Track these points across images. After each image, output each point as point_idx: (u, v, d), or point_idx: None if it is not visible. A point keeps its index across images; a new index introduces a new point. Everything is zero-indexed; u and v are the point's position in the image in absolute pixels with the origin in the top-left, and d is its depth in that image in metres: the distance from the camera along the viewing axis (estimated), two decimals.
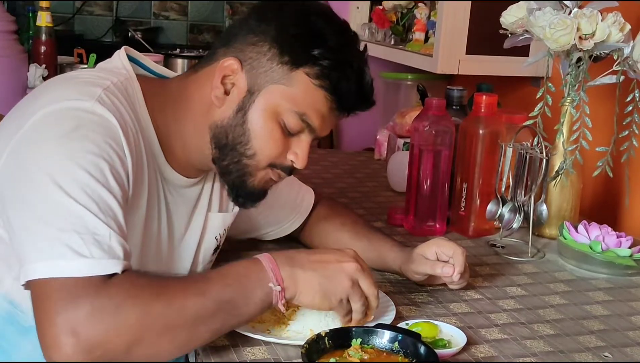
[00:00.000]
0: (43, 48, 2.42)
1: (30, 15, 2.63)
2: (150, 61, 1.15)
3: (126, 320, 0.86)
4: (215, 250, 1.21)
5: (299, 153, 1.06)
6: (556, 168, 1.51)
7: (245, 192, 1.09)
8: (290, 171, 1.08)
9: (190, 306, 0.91)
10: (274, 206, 1.31)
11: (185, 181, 1.12)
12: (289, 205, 1.34)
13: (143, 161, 1.03)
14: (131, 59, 1.10)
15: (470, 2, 1.86)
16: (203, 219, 1.17)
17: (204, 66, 1.08)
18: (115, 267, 0.88)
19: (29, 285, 0.89)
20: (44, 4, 2.42)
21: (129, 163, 0.97)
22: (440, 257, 1.18)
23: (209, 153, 1.07)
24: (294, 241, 1.38)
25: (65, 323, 0.84)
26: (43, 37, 2.42)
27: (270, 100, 1.03)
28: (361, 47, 1.09)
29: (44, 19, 2.42)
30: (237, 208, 1.23)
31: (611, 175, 1.44)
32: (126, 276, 0.89)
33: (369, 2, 2.55)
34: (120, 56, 1.09)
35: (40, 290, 0.87)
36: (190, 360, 1.20)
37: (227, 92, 1.04)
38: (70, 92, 0.98)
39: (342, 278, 0.99)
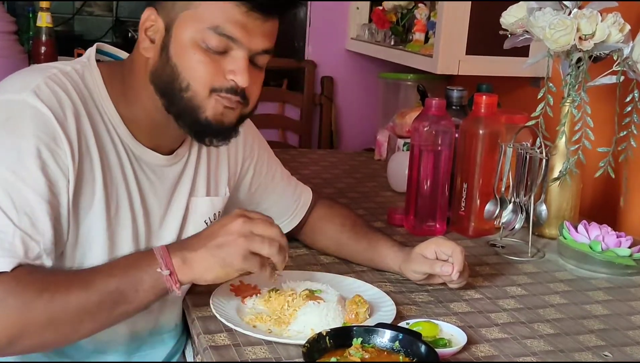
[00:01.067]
0: (43, 48, 2.42)
1: (31, 15, 2.63)
2: (125, 53, 1.15)
3: (7, 316, 0.91)
4: None
5: (235, 69, 1.02)
6: (556, 168, 1.51)
7: (204, 127, 1.06)
8: (237, 91, 1.04)
9: (72, 300, 0.94)
10: (270, 203, 1.31)
11: (161, 158, 1.11)
12: (285, 202, 1.34)
13: (90, 145, 1.02)
14: (105, 53, 1.12)
15: (470, 2, 1.87)
16: (185, 202, 1.15)
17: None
18: (6, 265, 0.91)
19: None
20: (44, 5, 2.42)
21: (67, 151, 0.98)
22: (440, 256, 1.19)
23: (161, 106, 1.06)
24: (294, 241, 1.39)
25: None
26: (43, 38, 2.42)
27: (184, 27, 1.02)
28: None
29: (44, 20, 2.42)
30: (228, 193, 1.22)
31: (613, 176, 1.44)
32: (14, 273, 0.92)
33: (368, 3, 2.55)
34: (89, 50, 1.11)
35: None
36: (190, 360, 1.20)
37: (152, 41, 1.05)
38: (9, 84, 1.02)
39: (231, 239, 1.00)
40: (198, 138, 1.08)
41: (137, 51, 1.07)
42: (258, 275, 1.05)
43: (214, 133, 1.06)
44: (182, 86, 1.02)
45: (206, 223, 1.19)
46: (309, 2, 2.57)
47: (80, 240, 1.02)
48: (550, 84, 1.44)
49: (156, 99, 1.05)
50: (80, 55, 2.85)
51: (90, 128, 1.03)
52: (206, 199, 1.18)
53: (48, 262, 0.96)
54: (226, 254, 1.00)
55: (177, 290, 0.99)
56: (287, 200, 1.34)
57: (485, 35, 1.83)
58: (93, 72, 1.06)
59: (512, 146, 1.45)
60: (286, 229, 1.35)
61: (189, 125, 1.06)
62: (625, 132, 1.44)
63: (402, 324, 1.06)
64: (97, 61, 1.09)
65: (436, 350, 0.95)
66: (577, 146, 1.45)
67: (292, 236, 1.38)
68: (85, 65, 1.07)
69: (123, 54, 1.15)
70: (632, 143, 1.44)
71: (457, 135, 1.52)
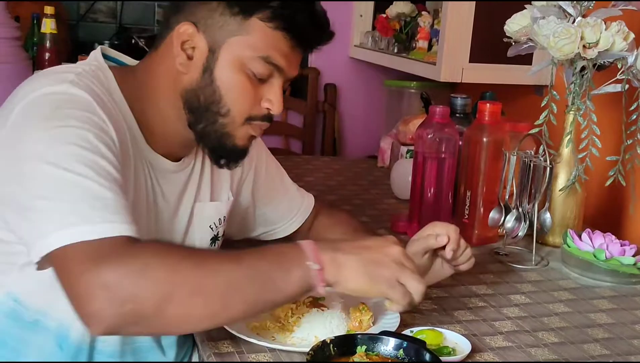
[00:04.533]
0: (47, 55, 2.43)
1: (35, 22, 2.64)
2: (128, 57, 1.16)
3: (155, 277, 0.86)
4: (213, 240, 1.21)
5: (272, 99, 1.06)
6: (559, 176, 1.51)
7: (226, 152, 1.08)
8: (269, 118, 1.08)
9: (222, 269, 0.90)
10: (271, 207, 1.32)
11: (170, 164, 1.12)
12: (285, 206, 1.34)
13: (127, 142, 1.04)
14: (108, 57, 1.12)
15: (473, 10, 1.87)
16: (190, 207, 1.16)
17: (161, 39, 1.09)
18: (130, 231, 0.89)
19: (46, 261, 0.89)
20: (48, 11, 2.42)
21: (114, 134, 0.98)
22: None
23: (185, 120, 1.07)
24: None
25: (95, 278, 0.84)
26: (47, 44, 2.43)
27: (233, 53, 1.03)
28: None
29: (48, 26, 2.43)
30: (231, 197, 1.23)
31: (624, 183, 1.44)
32: (148, 240, 0.90)
33: (372, 10, 2.56)
34: (95, 52, 1.11)
35: (61, 259, 0.87)
36: None
37: (189, 57, 1.05)
38: (44, 82, 1.00)
39: (388, 261, 0.97)
40: (216, 158, 1.10)
41: (160, 60, 1.07)
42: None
43: (234, 158, 1.09)
44: (221, 110, 1.04)
45: (211, 228, 1.20)
46: None
47: None
48: (554, 92, 1.44)
49: (182, 113, 1.07)
50: None
51: (123, 125, 1.03)
52: (211, 204, 1.19)
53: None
54: (378, 272, 0.96)
55: (322, 288, 0.94)
56: (289, 204, 1.34)
57: (489, 43, 1.83)
58: (107, 74, 1.07)
59: (516, 153, 1.45)
60: (288, 231, 1.36)
61: (210, 146, 1.08)
62: (630, 141, 1.44)
63: (406, 332, 1.05)
64: None
65: (440, 358, 0.95)
66: (584, 153, 1.45)
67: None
68: (98, 67, 1.07)
69: (126, 59, 1.15)
70: (638, 151, 1.44)
71: (460, 143, 1.52)
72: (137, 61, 1.16)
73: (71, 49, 2.91)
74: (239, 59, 1.03)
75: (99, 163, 0.93)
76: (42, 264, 0.90)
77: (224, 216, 1.22)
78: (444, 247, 1.14)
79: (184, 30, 1.04)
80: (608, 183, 1.45)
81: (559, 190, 1.49)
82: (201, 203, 1.18)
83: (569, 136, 1.49)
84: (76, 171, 0.90)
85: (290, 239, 1.37)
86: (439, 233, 1.14)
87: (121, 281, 0.84)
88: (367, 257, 0.97)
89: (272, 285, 0.92)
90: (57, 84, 0.99)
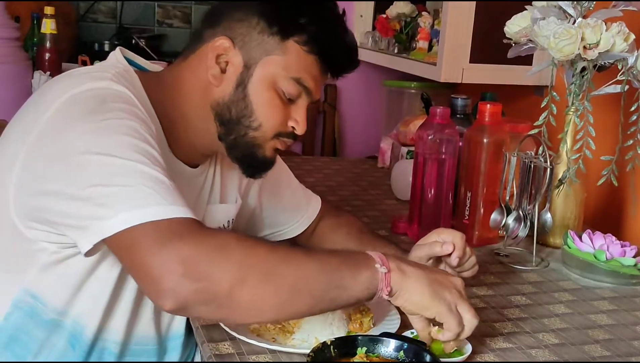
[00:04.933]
0: (47, 55, 2.42)
1: (35, 22, 2.64)
2: (144, 60, 1.17)
3: (231, 257, 0.86)
4: None
5: (298, 119, 1.10)
6: (560, 177, 1.51)
7: (256, 162, 1.12)
8: (294, 137, 1.12)
9: (294, 259, 0.91)
10: (278, 209, 1.33)
11: (188, 170, 1.14)
12: (295, 206, 1.35)
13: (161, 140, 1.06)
14: (125, 59, 1.12)
15: (474, 11, 1.87)
16: (203, 210, 1.18)
17: (193, 50, 1.11)
18: (194, 215, 0.89)
19: (106, 243, 0.89)
20: (48, 11, 2.42)
21: (154, 128, 1.01)
22: None
23: (214, 132, 1.10)
24: None
25: (173, 254, 0.84)
26: (47, 44, 2.43)
27: (268, 70, 1.06)
28: (340, 11, 1.14)
29: (48, 26, 2.43)
30: (239, 200, 1.25)
31: (616, 184, 1.44)
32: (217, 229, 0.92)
33: (372, 11, 2.56)
34: (115, 54, 1.12)
35: (129, 240, 0.86)
36: None
37: (223, 71, 1.07)
38: (83, 80, 1.01)
39: (450, 286, 0.98)
40: (244, 168, 1.13)
41: (191, 70, 1.09)
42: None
43: (263, 168, 1.13)
44: (253, 124, 1.07)
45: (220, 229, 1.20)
46: None
47: None
48: (554, 93, 1.44)
49: (211, 124, 1.09)
50: (84, 62, 2.85)
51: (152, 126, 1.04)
52: (222, 206, 1.21)
53: None
54: (441, 292, 0.96)
55: (386, 294, 0.94)
56: (296, 206, 1.36)
57: (489, 44, 1.83)
58: (132, 77, 1.08)
59: (516, 154, 1.45)
60: (295, 232, 1.37)
61: (241, 158, 1.11)
62: (631, 142, 1.44)
63: (407, 333, 1.05)
64: None
65: (441, 359, 0.95)
66: (578, 155, 1.45)
67: (299, 244, 1.38)
68: (125, 69, 1.08)
69: (143, 62, 1.16)
70: (639, 151, 1.43)
71: (461, 143, 1.52)
72: (151, 63, 1.17)
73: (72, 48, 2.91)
74: (272, 77, 1.06)
75: (151, 152, 0.94)
76: (92, 251, 0.90)
77: (233, 218, 1.25)
78: (449, 254, 1.14)
79: (220, 44, 1.06)
80: (600, 182, 1.45)
81: (551, 190, 1.48)
82: (212, 205, 1.20)
83: (564, 137, 1.49)
84: (132, 158, 0.91)
85: (294, 240, 1.37)
86: (445, 239, 1.15)
87: (199, 258, 0.85)
88: (431, 276, 0.98)
89: (340, 281, 0.92)
90: (99, 81, 1.00)
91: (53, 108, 0.97)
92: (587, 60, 1.39)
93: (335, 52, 1.10)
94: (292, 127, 1.10)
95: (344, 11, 1.15)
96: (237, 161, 1.12)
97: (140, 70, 1.13)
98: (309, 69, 1.08)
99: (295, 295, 0.90)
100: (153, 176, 0.90)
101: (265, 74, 1.06)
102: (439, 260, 1.17)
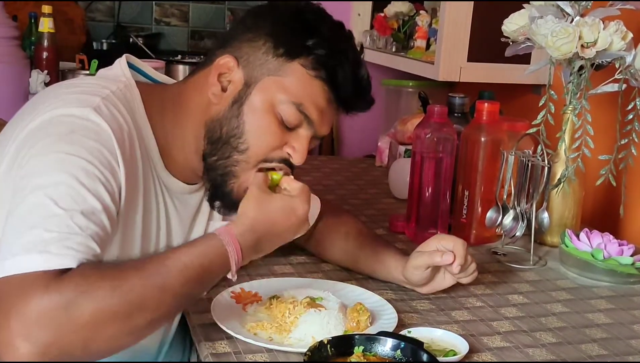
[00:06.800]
0: (45, 54, 2.42)
1: (33, 21, 2.63)
2: (151, 68, 1.16)
3: (79, 317, 0.83)
4: None
5: (297, 147, 1.05)
6: (558, 176, 1.51)
7: (222, 194, 1.07)
8: (287, 163, 1.07)
9: (138, 280, 0.88)
10: None
11: (186, 187, 1.12)
12: None
13: (139, 169, 1.02)
14: (132, 66, 1.11)
15: (471, 9, 1.87)
16: (204, 227, 1.17)
17: (202, 68, 1.09)
18: (71, 262, 0.85)
19: None
20: (46, 10, 2.42)
21: (122, 171, 0.97)
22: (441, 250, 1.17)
23: (201, 151, 1.06)
24: (297, 247, 1.38)
25: (18, 326, 0.81)
26: (45, 43, 2.43)
27: (267, 91, 1.03)
28: (357, 47, 1.10)
29: (46, 25, 2.43)
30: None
31: (614, 183, 1.44)
32: (80, 269, 0.85)
33: (370, 9, 2.56)
34: (120, 63, 1.09)
35: (1, 288, 0.85)
36: None
37: (224, 89, 1.04)
38: (69, 101, 0.99)
39: (290, 219, 1.04)
40: (210, 195, 1.09)
41: (195, 88, 1.07)
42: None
43: (226, 201, 1.08)
44: (240, 146, 1.04)
45: None
46: None
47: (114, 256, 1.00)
48: (552, 92, 1.44)
49: (201, 142, 1.05)
50: (81, 60, 2.84)
51: (138, 153, 1.02)
52: (223, 223, 1.18)
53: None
54: (288, 234, 1.05)
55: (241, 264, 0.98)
56: None
57: (487, 43, 1.82)
58: (133, 92, 1.05)
59: (513, 153, 1.44)
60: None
61: (213, 181, 1.07)
62: (626, 140, 1.44)
63: (404, 332, 1.05)
64: None
65: (438, 358, 0.94)
66: (576, 153, 1.45)
67: (300, 246, 1.38)
68: (126, 84, 1.05)
69: (150, 70, 1.14)
70: (632, 150, 1.44)
71: (458, 142, 1.52)
72: (161, 74, 1.16)
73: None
74: (271, 100, 1.03)
75: (87, 200, 0.90)
76: None
77: None
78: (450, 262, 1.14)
79: (225, 62, 1.04)
80: (599, 182, 1.45)
81: (549, 189, 1.48)
82: (214, 221, 1.18)
83: (562, 136, 1.49)
84: (58, 202, 0.88)
85: (292, 243, 1.37)
86: (446, 247, 1.15)
87: (44, 325, 0.81)
88: (274, 229, 1.02)
89: (200, 282, 0.96)
90: (81, 107, 0.97)
91: (31, 126, 0.96)
92: (585, 58, 1.39)
93: (343, 81, 1.04)
94: (288, 153, 1.06)
95: (362, 46, 1.10)
96: (210, 186, 1.08)
97: (146, 78, 1.12)
98: (313, 96, 1.03)
99: (155, 309, 0.89)
100: (62, 224, 0.87)
101: (263, 95, 1.03)
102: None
